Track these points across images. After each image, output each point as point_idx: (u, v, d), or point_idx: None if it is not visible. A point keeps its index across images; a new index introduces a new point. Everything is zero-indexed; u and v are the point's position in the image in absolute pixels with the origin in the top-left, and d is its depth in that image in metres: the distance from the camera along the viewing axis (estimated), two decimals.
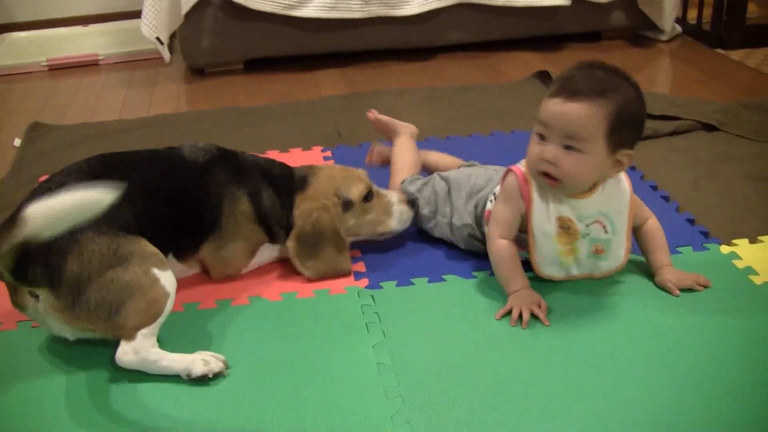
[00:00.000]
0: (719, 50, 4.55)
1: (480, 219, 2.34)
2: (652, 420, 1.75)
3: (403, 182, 2.63)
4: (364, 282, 2.31)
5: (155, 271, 1.96)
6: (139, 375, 1.94)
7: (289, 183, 2.39)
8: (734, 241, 2.43)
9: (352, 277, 2.34)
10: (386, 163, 2.87)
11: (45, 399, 1.89)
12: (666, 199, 2.72)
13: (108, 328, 1.93)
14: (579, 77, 2.05)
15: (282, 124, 3.61)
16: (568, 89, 2.04)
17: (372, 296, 2.24)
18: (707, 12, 4.73)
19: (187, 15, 4.24)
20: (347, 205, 2.38)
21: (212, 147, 2.36)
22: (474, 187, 2.40)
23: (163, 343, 2.00)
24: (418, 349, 2.01)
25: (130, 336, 1.91)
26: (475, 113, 3.62)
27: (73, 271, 1.89)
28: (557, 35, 4.80)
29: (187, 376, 1.91)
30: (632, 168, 2.95)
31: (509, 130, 3.38)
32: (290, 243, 2.32)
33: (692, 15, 4.91)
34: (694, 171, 2.94)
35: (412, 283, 2.29)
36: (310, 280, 2.33)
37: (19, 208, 1.91)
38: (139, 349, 1.91)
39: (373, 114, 2.95)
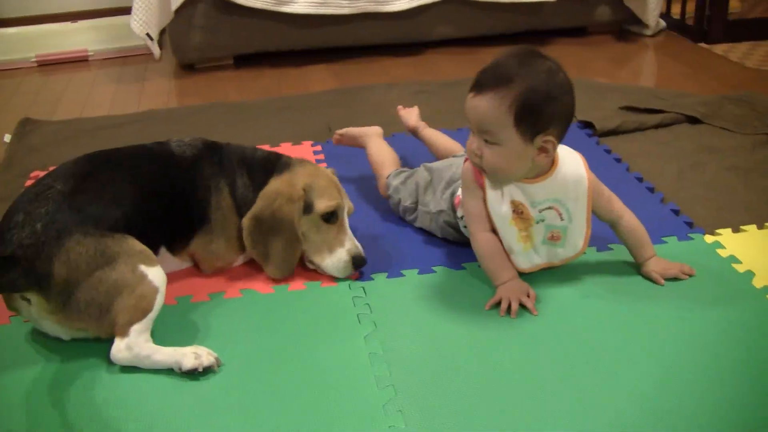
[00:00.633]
0: (702, 44, 4.59)
1: (455, 205, 2.38)
2: (640, 406, 1.78)
3: (388, 176, 2.66)
4: (355, 274, 2.33)
5: (142, 267, 1.98)
6: (132, 368, 1.96)
7: (269, 167, 2.37)
8: (718, 230, 2.48)
9: None
10: (355, 144, 2.95)
11: (37, 393, 1.90)
12: (651, 190, 2.76)
13: (100, 327, 1.96)
14: (488, 68, 2.08)
15: (272, 119, 3.63)
16: (477, 82, 2.07)
17: (363, 288, 2.26)
18: (690, 7, 4.78)
19: (177, 11, 4.25)
20: (307, 208, 2.31)
21: (198, 141, 2.38)
22: (453, 175, 2.43)
23: (156, 336, 2.03)
24: (410, 339, 2.04)
25: (123, 333, 1.94)
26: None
27: (61, 275, 1.92)
28: (543, 30, 4.83)
29: (179, 369, 1.92)
30: (617, 160, 2.99)
31: None
32: (246, 221, 2.27)
33: (676, 10, 4.95)
34: (678, 163, 2.98)
35: (403, 275, 2.32)
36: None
37: (7, 214, 1.98)
38: (132, 345, 1.93)
39: (336, 135, 2.99)
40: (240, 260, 2.41)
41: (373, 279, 2.31)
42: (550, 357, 1.96)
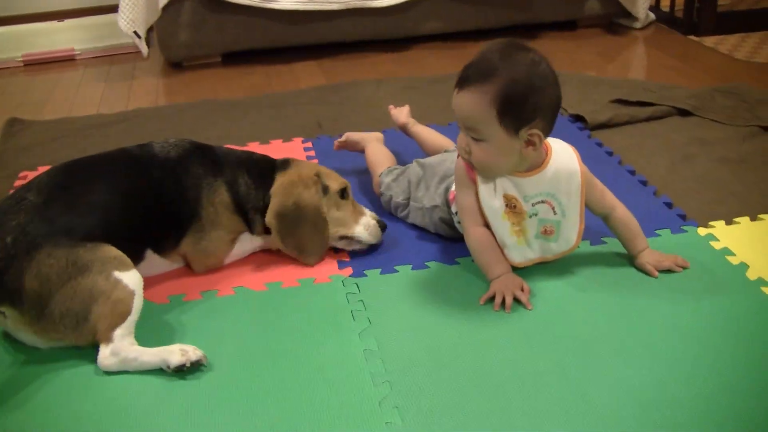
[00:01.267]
0: (692, 37, 4.59)
1: (449, 200, 2.37)
2: (635, 398, 1.78)
3: (381, 174, 2.66)
4: (348, 270, 2.33)
5: (116, 273, 1.97)
6: (122, 371, 1.95)
7: (270, 167, 2.40)
8: (711, 223, 2.47)
9: (336, 266, 2.36)
10: (355, 149, 2.96)
11: (24, 399, 1.88)
12: (644, 183, 2.75)
13: (79, 336, 1.95)
14: (471, 64, 2.07)
15: (261, 116, 3.61)
16: (460, 79, 2.07)
17: (357, 284, 2.26)
18: (680, 0, 4.77)
19: (165, 8, 4.24)
20: (324, 190, 2.38)
21: (185, 142, 2.36)
22: (447, 171, 2.43)
23: (148, 335, 2.03)
24: (404, 335, 2.03)
25: (107, 339, 1.93)
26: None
27: (33, 288, 1.91)
28: (533, 24, 4.83)
29: (167, 366, 1.91)
30: (609, 153, 2.99)
31: None
32: (270, 220, 2.30)
33: (665, 2, 4.95)
34: (670, 155, 2.97)
35: (396, 271, 2.31)
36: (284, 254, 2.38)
37: None
38: (117, 350, 1.92)
39: (338, 141, 3.00)
40: (231, 258, 2.40)
41: (366, 275, 2.30)
42: (544, 351, 1.95)
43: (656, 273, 2.21)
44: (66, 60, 4.82)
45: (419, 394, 1.83)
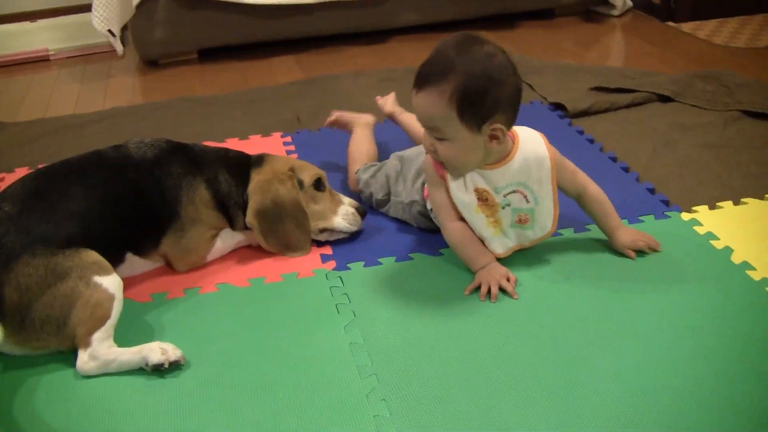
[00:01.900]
0: (670, 23, 4.60)
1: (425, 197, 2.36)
2: (621, 385, 1.77)
3: (357, 171, 2.64)
4: (332, 264, 2.31)
5: (95, 278, 1.95)
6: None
7: (245, 163, 2.39)
8: (694, 208, 2.47)
9: (319, 260, 2.34)
10: (345, 129, 2.95)
11: (14, 399, 1.87)
12: (626, 170, 2.75)
13: (60, 341, 1.94)
14: (426, 62, 2.05)
15: (240, 112, 3.59)
16: (417, 78, 2.05)
17: (340, 277, 2.24)
18: None
19: (139, 6, 4.21)
20: (299, 185, 2.38)
21: (161, 141, 2.34)
22: (423, 165, 2.41)
23: (132, 333, 2.02)
24: (390, 328, 2.02)
25: (86, 343, 1.92)
26: None
27: (13, 300, 1.90)
28: (510, 14, 4.82)
29: (146, 364, 1.90)
30: (590, 141, 2.98)
31: None
32: (251, 220, 2.30)
33: None
34: (651, 141, 2.97)
35: (380, 263, 2.30)
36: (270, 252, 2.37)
37: None
38: (96, 354, 1.91)
39: (330, 118, 2.98)
40: (213, 255, 2.38)
41: (350, 269, 2.28)
42: (530, 340, 1.94)
43: (633, 255, 2.21)
44: (40, 60, 4.78)
45: (406, 385, 1.82)
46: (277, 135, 3.26)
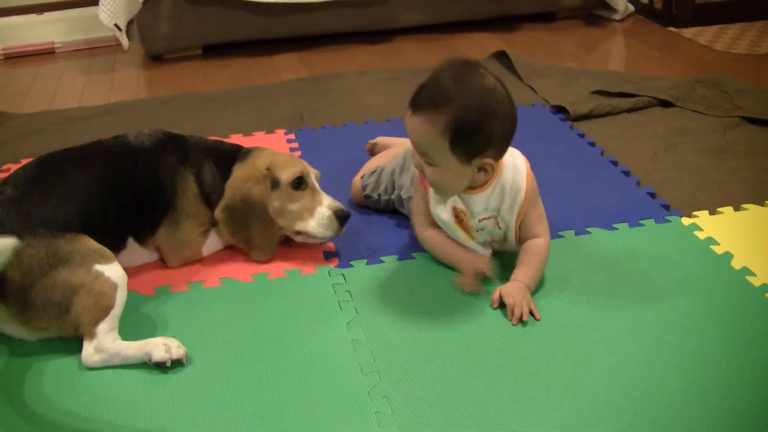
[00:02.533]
0: (671, 28, 4.61)
1: None
2: (621, 386, 1.80)
3: (363, 177, 2.64)
4: (335, 261, 2.33)
5: (98, 266, 1.97)
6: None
7: (233, 157, 2.38)
8: (694, 213, 2.49)
9: (322, 257, 2.36)
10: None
11: (19, 389, 1.89)
12: (626, 173, 2.77)
13: (62, 326, 1.95)
14: (424, 86, 2.04)
15: (243, 109, 3.61)
16: (413, 101, 2.04)
17: (343, 275, 2.26)
18: None
19: (145, 1, 4.22)
20: (275, 183, 2.32)
21: (159, 132, 2.36)
22: None
23: (136, 327, 2.04)
24: (392, 325, 2.04)
25: (91, 334, 1.93)
26: None
27: (15, 279, 1.92)
28: (513, 16, 4.83)
29: (149, 360, 1.92)
30: (591, 144, 3.00)
31: None
32: (218, 213, 2.30)
33: None
34: (652, 146, 2.99)
35: (382, 261, 2.32)
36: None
37: None
38: (101, 346, 1.92)
39: (370, 142, 2.93)
40: (208, 250, 2.39)
41: (352, 266, 2.30)
42: (531, 339, 1.96)
43: (496, 298, 2.09)
44: (46, 53, 4.79)
45: (408, 383, 1.84)
46: (281, 132, 3.28)
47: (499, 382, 1.82)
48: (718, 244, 2.31)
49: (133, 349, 1.93)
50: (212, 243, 2.39)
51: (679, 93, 3.40)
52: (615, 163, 2.85)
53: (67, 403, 1.83)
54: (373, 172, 2.62)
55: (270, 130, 3.30)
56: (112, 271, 1.99)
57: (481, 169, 2.06)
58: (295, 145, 3.13)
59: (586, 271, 2.23)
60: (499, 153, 2.07)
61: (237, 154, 2.39)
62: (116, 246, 2.15)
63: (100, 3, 4.18)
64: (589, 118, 3.27)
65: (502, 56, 4.06)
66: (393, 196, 2.51)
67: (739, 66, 3.90)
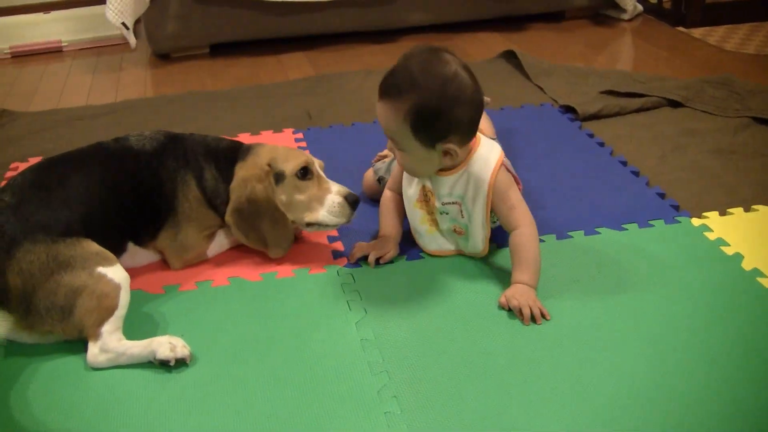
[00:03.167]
0: (680, 28, 4.60)
1: None
2: (628, 386, 1.80)
3: (374, 165, 2.66)
4: (344, 260, 2.33)
5: (100, 269, 1.97)
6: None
7: (234, 157, 2.34)
8: (705, 213, 2.48)
9: (331, 256, 2.36)
10: None
11: (11, 394, 1.88)
12: (636, 174, 2.76)
13: (66, 329, 1.95)
14: (389, 74, 2.08)
15: (251, 107, 3.60)
16: (380, 87, 2.09)
17: (352, 274, 2.26)
18: None
19: (153, 0, 4.22)
20: (279, 177, 2.29)
21: (160, 134, 2.35)
22: None
23: (144, 325, 2.05)
24: (401, 325, 2.04)
25: (95, 335, 1.93)
26: None
27: (17, 285, 1.92)
28: (520, 16, 4.82)
29: (154, 358, 1.92)
30: (601, 144, 2.99)
31: None
32: (229, 216, 2.27)
33: None
34: (661, 146, 2.98)
35: (391, 261, 2.31)
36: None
37: None
38: (106, 346, 1.92)
39: (379, 156, 2.87)
40: (213, 252, 2.39)
41: (361, 266, 2.30)
42: (539, 339, 1.96)
43: (503, 302, 2.08)
44: (53, 51, 4.79)
45: (417, 382, 1.83)
46: (289, 131, 3.27)
47: (507, 382, 1.82)
48: (728, 245, 2.30)
49: (138, 347, 1.93)
50: (218, 244, 2.39)
51: (689, 93, 3.39)
52: (624, 164, 2.84)
53: (73, 404, 1.83)
54: (383, 161, 2.64)
55: (278, 129, 3.29)
56: (115, 272, 1.99)
57: (446, 153, 2.09)
58: (303, 144, 3.13)
59: (594, 271, 2.22)
60: (464, 138, 2.10)
61: (237, 153, 2.36)
62: (117, 250, 2.14)
63: (107, 2, 4.17)
64: (597, 118, 3.27)
65: (510, 56, 4.05)
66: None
67: (749, 66, 3.89)
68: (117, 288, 1.96)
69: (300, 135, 3.22)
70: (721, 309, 2.05)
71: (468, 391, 1.80)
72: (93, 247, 2.01)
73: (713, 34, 4.43)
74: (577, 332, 1.98)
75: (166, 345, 1.92)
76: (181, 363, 1.92)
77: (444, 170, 2.16)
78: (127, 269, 2.06)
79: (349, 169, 2.83)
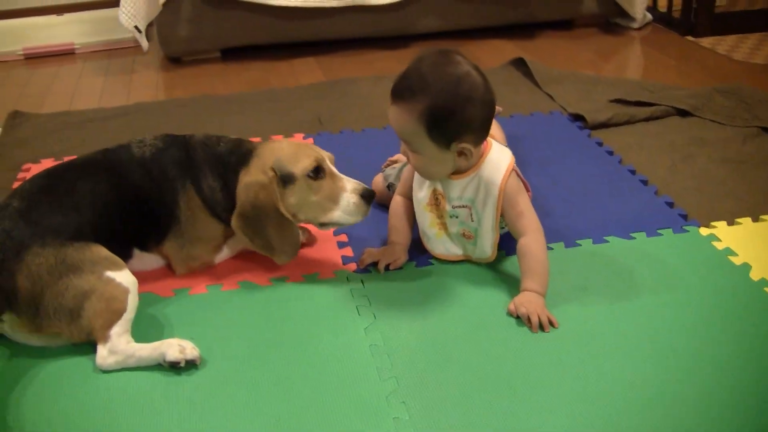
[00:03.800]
0: (689, 38, 4.60)
1: None
2: (638, 394, 1.81)
3: (384, 170, 2.68)
4: (353, 266, 2.34)
5: (108, 273, 1.98)
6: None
7: (236, 160, 2.27)
8: (713, 223, 2.49)
9: (340, 261, 2.37)
10: None
11: (19, 397, 1.89)
12: (644, 182, 2.77)
13: (74, 331, 1.96)
14: (401, 76, 2.09)
15: (261, 112, 3.62)
16: (392, 90, 2.10)
17: (361, 280, 2.27)
18: (677, 0, 4.79)
19: (165, 3, 4.24)
20: (287, 179, 2.21)
21: (159, 140, 2.33)
22: None
23: (153, 328, 2.07)
24: (409, 331, 2.05)
25: (104, 337, 1.94)
26: None
27: (26, 287, 1.93)
28: (530, 23, 4.84)
29: (163, 360, 1.93)
30: (610, 153, 3.00)
31: None
32: (234, 222, 2.22)
33: (662, 3, 4.96)
34: (670, 155, 2.99)
35: (400, 267, 2.32)
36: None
37: None
38: (115, 348, 1.93)
39: (389, 160, 2.89)
40: (220, 259, 2.40)
41: (370, 271, 2.31)
42: (547, 346, 1.97)
43: (512, 310, 2.09)
44: (66, 54, 4.81)
45: (425, 388, 1.84)
46: (300, 136, 3.28)
47: (515, 389, 1.83)
48: (737, 255, 2.31)
49: (147, 350, 1.94)
50: (225, 252, 2.40)
51: (698, 102, 3.40)
52: (633, 172, 2.85)
53: (82, 405, 1.84)
54: (392, 168, 2.66)
55: (289, 134, 3.31)
56: (123, 276, 2.00)
57: (461, 153, 2.10)
58: None
59: (603, 279, 2.23)
60: (478, 137, 2.11)
61: (240, 155, 2.28)
62: (123, 255, 2.14)
63: (120, 5, 4.19)
64: (607, 127, 3.27)
65: (520, 63, 4.06)
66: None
67: (758, 76, 3.90)
68: (125, 291, 1.98)
69: (311, 140, 3.23)
70: (728, 318, 2.06)
71: (476, 397, 1.81)
72: (102, 251, 2.03)
73: (722, 44, 4.44)
74: (585, 340, 1.99)
75: (175, 347, 1.93)
76: (190, 365, 1.93)
77: (456, 174, 2.18)
78: (136, 273, 2.07)
79: (359, 174, 2.83)
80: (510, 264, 2.29)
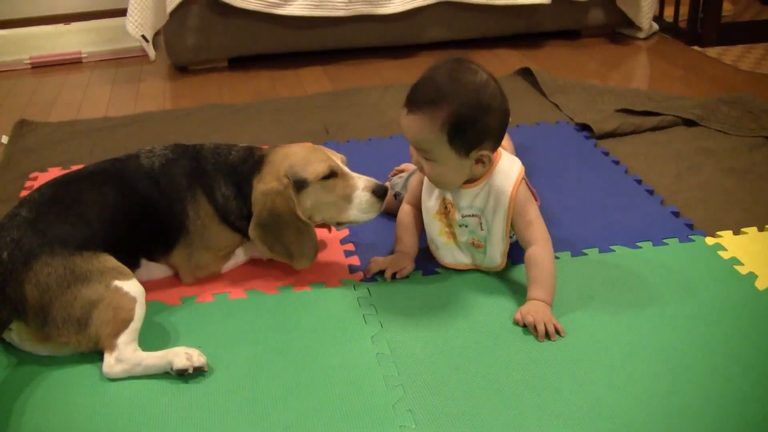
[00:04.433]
0: (696, 47, 4.61)
1: None
2: (647, 405, 1.80)
3: (390, 180, 2.68)
4: (360, 275, 2.34)
5: (116, 283, 1.99)
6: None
7: (249, 168, 2.30)
8: (718, 233, 2.49)
9: (347, 270, 2.37)
10: None
11: (27, 406, 1.89)
12: (650, 192, 2.77)
13: (81, 341, 1.97)
14: (419, 85, 2.09)
15: (268, 121, 3.63)
16: (409, 99, 2.10)
17: (368, 289, 2.27)
18: (684, 10, 4.79)
19: (172, 12, 4.25)
20: (301, 185, 2.24)
21: (168, 150, 2.34)
22: None
23: (161, 336, 2.07)
24: (416, 339, 2.05)
25: (111, 346, 1.95)
26: None
27: (34, 297, 1.94)
28: (537, 33, 4.85)
29: (171, 368, 1.93)
30: (616, 162, 3.01)
31: None
32: (252, 231, 2.24)
33: (669, 13, 4.96)
34: (676, 165, 2.99)
35: (407, 276, 2.32)
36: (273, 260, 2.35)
37: None
38: (121, 357, 1.94)
39: (395, 170, 2.89)
40: (227, 268, 2.40)
41: (377, 280, 2.31)
42: (555, 355, 1.97)
43: (518, 319, 2.09)
44: (73, 62, 4.83)
45: (432, 397, 1.84)
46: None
47: (521, 398, 1.83)
48: (743, 265, 2.31)
49: (154, 358, 1.95)
50: (233, 261, 2.41)
51: (704, 112, 3.41)
52: (639, 182, 2.85)
53: (88, 414, 1.84)
54: (400, 176, 2.67)
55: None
56: (131, 286, 2.01)
57: (479, 161, 2.11)
58: None
59: (609, 288, 2.23)
60: (495, 144, 2.13)
61: (252, 163, 2.31)
62: (131, 265, 2.14)
63: (127, 14, 4.21)
64: (613, 136, 3.28)
65: (526, 73, 4.07)
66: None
67: (765, 86, 3.90)
68: (133, 301, 1.98)
69: None
70: (734, 328, 2.05)
71: (483, 406, 1.81)
72: (110, 261, 2.04)
73: (729, 54, 4.45)
74: (591, 349, 1.99)
75: (182, 355, 1.93)
76: (198, 372, 1.94)
77: (466, 183, 2.18)
78: (143, 282, 2.08)
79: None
80: (517, 273, 2.29)
